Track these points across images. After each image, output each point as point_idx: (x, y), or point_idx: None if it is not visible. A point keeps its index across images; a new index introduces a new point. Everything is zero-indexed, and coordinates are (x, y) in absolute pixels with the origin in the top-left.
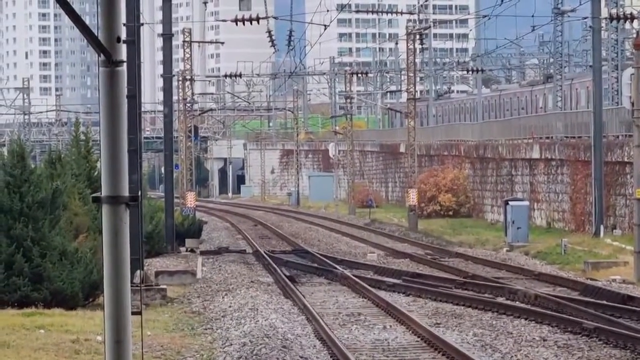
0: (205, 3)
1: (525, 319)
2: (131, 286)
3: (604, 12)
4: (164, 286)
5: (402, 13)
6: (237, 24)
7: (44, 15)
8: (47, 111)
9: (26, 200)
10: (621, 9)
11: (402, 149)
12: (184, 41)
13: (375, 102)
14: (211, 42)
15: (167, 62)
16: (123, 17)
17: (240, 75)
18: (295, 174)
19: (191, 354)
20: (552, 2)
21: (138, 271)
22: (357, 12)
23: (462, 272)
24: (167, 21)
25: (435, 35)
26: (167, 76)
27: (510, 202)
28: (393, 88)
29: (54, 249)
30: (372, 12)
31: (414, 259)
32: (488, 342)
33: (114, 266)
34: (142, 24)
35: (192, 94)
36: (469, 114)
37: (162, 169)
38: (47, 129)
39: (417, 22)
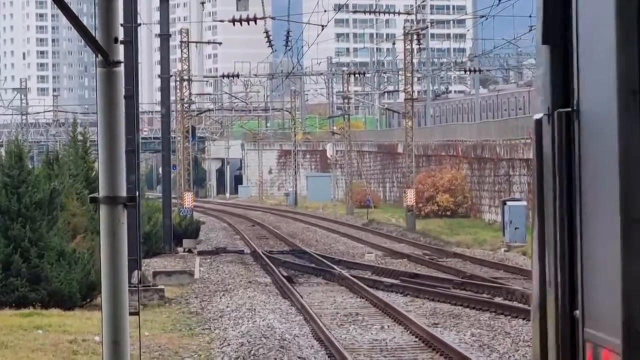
0: (202, 3)
1: (523, 319)
2: (129, 286)
3: None
4: (162, 286)
5: (399, 13)
6: (234, 24)
7: (41, 15)
8: (44, 112)
9: (24, 201)
10: None
11: (399, 149)
12: (181, 41)
13: (373, 102)
14: (209, 43)
15: (165, 62)
16: (120, 18)
17: (237, 76)
18: (293, 174)
19: (189, 354)
20: None
21: (136, 271)
22: (355, 12)
23: (460, 272)
24: (164, 21)
25: (432, 35)
26: (165, 76)
27: (508, 202)
28: (390, 88)
29: (52, 249)
30: (370, 12)
31: (412, 259)
32: (486, 342)
33: (111, 267)
34: (140, 25)
35: (190, 94)
36: (467, 114)
37: (160, 170)
38: (45, 129)
39: (415, 22)
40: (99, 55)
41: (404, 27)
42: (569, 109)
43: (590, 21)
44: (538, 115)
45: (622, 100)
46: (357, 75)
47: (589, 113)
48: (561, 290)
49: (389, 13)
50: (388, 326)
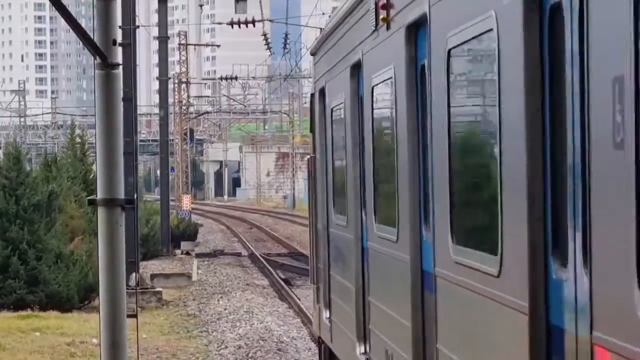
0: (201, 6)
1: None
2: (127, 289)
3: None
4: (160, 289)
5: None
6: (232, 27)
7: (39, 18)
8: (43, 114)
9: (22, 203)
10: None
11: None
12: (179, 44)
13: None
14: (207, 45)
15: (163, 64)
16: (119, 20)
17: (236, 78)
18: (291, 176)
19: (187, 356)
20: None
21: (134, 274)
22: None
23: None
24: (162, 24)
25: None
26: (163, 79)
27: None
28: None
29: (50, 251)
30: None
31: None
32: None
33: (109, 269)
34: (138, 27)
35: (188, 96)
36: None
37: (158, 172)
38: (43, 131)
39: None
40: (97, 58)
41: None
42: (315, 155)
43: (318, 122)
44: (308, 156)
45: (321, 154)
46: None
47: (319, 159)
48: (314, 216)
49: None
50: None
